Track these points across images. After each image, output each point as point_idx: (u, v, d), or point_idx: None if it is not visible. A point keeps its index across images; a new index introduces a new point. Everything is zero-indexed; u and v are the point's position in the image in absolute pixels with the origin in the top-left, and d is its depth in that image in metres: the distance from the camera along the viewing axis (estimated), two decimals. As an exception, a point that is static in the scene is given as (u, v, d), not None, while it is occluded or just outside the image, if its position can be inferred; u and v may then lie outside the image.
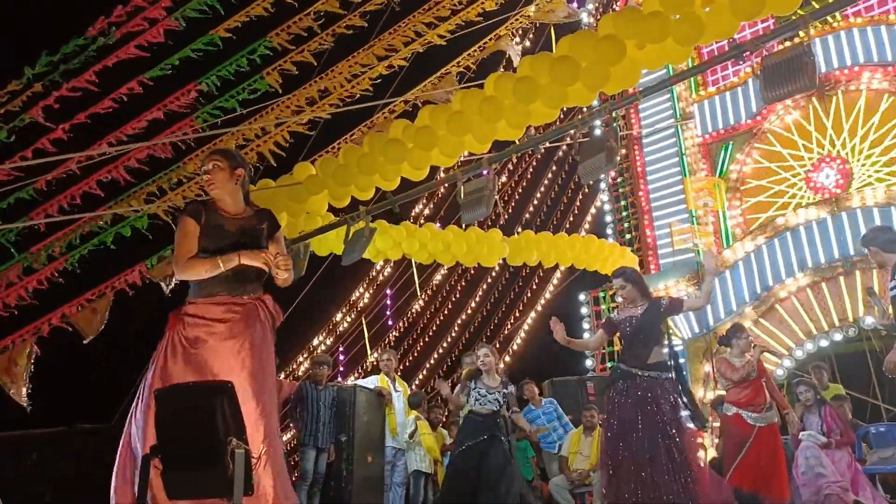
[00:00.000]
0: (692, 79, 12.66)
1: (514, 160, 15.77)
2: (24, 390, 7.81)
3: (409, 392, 8.31)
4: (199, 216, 3.35)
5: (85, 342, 8.33)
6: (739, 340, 6.52)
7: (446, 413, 9.11)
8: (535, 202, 16.43)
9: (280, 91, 8.70)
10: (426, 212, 15.38)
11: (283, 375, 13.72)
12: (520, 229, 14.89)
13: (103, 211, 8.15)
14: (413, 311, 16.04)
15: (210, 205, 3.45)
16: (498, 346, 15.54)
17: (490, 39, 10.46)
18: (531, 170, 16.44)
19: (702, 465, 4.94)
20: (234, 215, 3.42)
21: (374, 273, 15.81)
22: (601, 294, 13.07)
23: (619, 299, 5.33)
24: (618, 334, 5.35)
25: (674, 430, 4.71)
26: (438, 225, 9.73)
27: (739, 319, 10.36)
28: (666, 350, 5.08)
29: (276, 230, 3.46)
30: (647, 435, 4.67)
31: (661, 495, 4.51)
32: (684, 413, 4.91)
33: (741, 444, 6.16)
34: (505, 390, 6.32)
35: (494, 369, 6.40)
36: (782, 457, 6.16)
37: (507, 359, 15.46)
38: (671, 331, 6.46)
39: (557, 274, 15.50)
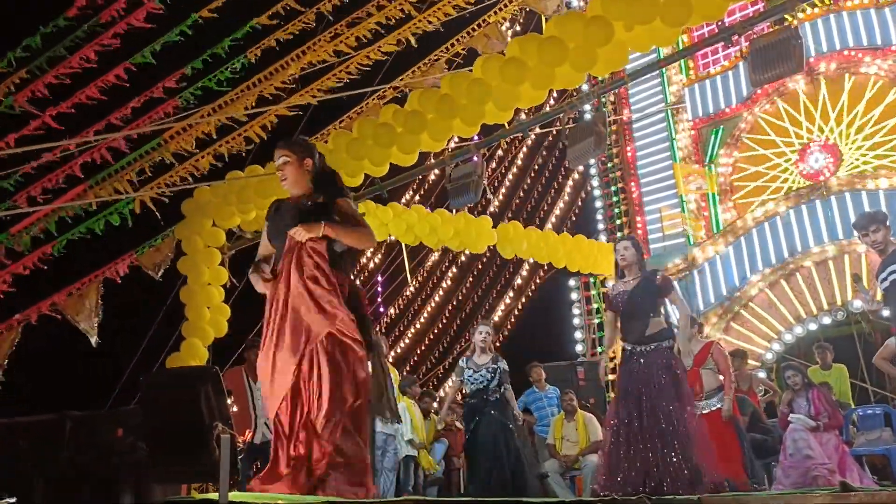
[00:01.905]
0: (682, 63, 12.64)
1: (504, 146, 15.73)
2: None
3: (399, 378, 8.31)
4: (270, 213, 3.53)
5: (81, 327, 8.30)
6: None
7: (438, 400, 9.15)
8: (525, 188, 16.40)
9: (259, 63, 8.62)
10: (416, 199, 15.32)
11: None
12: (510, 214, 14.91)
13: (84, 189, 8.08)
14: (404, 296, 16.03)
15: (283, 199, 3.56)
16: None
17: (479, 25, 10.38)
18: (520, 156, 16.40)
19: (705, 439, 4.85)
20: (297, 198, 3.43)
21: (364, 259, 15.79)
22: (591, 279, 13.09)
23: (619, 259, 5.02)
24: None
25: (675, 404, 4.65)
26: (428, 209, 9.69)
27: (729, 304, 10.42)
28: (663, 318, 4.95)
29: (335, 197, 3.35)
30: (651, 411, 4.63)
31: (663, 472, 4.48)
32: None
33: None
34: (494, 366, 6.24)
35: (489, 347, 6.37)
36: (727, 440, 6.02)
37: (497, 344, 15.49)
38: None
39: (548, 259, 15.50)
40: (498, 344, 15.48)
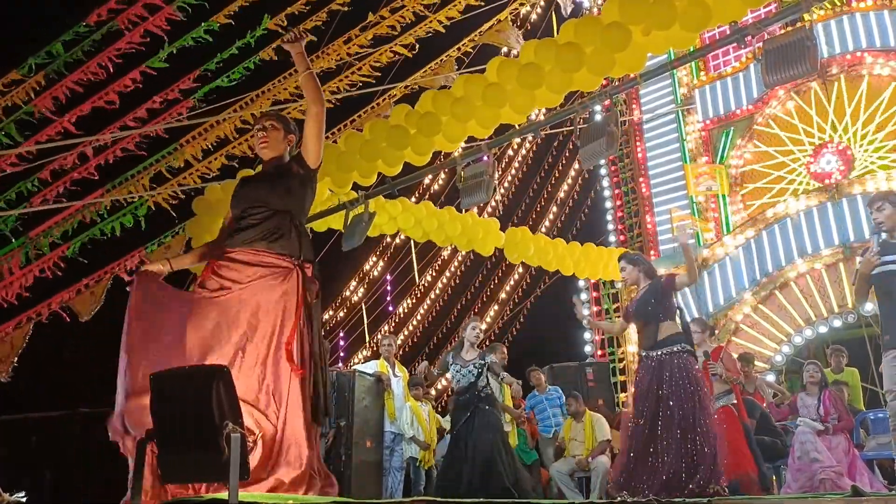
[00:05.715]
0: (693, 64, 12.59)
1: (514, 144, 15.70)
2: (9, 369, 7.96)
3: (408, 377, 8.33)
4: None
5: (83, 321, 8.35)
6: (693, 334, 6.53)
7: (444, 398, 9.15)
8: (535, 186, 16.38)
9: (272, 67, 8.66)
10: (432, 189, 15.27)
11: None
12: (518, 213, 14.87)
13: (102, 193, 8.14)
14: (412, 295, 16.04)
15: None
16: (497, 331, 15.58)
17: (491, 26, 10.36)
18: (530, 154, 16.38)
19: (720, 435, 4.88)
20: (268, 163, 3.49)
21: (374, 258, 15.81)
22: (600, 280, 13.06)
23: (623, 280, 5.32)
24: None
25: (694, 402, 4.69)
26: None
27: (739, 306, 10.37)
28: (678, 321, 5.04)
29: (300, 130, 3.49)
30: (670, 411, 4.67)
31: (681, 474, 4.51)
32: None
33: None
34: (481, 361, 6.14)
35: (477, 343, 6.31)
36: (733, 438, 5.96)
37: (507, 344, 15.48)
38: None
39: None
40: (507, 344, 15.48)
